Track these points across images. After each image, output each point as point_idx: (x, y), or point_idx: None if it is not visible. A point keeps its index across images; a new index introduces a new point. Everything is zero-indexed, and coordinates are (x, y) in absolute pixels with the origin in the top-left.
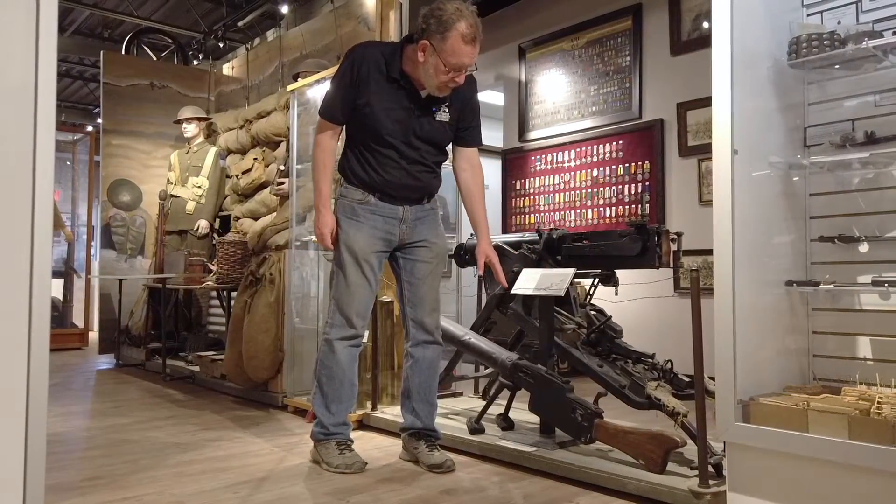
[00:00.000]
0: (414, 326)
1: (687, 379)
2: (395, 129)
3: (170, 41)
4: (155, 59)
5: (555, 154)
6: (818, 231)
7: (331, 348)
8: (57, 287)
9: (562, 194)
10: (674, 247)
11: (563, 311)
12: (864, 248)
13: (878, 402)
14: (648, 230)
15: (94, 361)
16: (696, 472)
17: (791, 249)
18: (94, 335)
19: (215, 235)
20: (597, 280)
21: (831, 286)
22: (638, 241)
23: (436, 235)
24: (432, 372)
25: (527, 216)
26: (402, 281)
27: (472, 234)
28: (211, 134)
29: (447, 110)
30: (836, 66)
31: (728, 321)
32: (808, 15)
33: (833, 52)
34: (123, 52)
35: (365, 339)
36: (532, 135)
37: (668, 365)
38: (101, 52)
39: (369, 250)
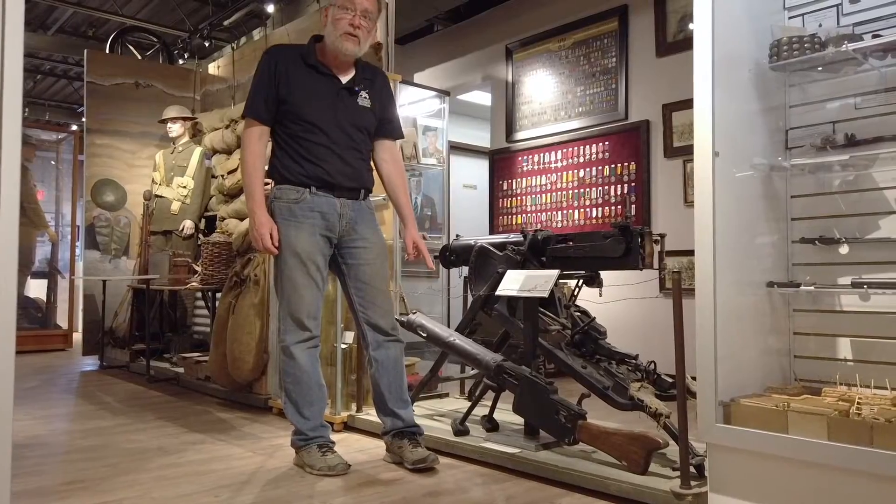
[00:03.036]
0: (370, 330)
1: (670, 380)
2: (323, 115)
3: (155, 40)
4: (140, 58)
5: (542, 155)
6: (799, 233)
7: (290, 355)
8: (41, 288)
9: (548, 195)
10: (657, 248)
11: (547, 313)
12: (844, 249)
13: (858, 403)
14: (632, 231)
15: (77, 363)
16: (678, 474)
17: (772, 251)
18: (77, 336)
19: (200, 236)
20: (581, 281)
21: (812, 287)
22: (621, 243)
23: (375, 234)
24: (399, 369)
25: (514, 217)
26: (348, 287)
27: (458, 235)
28: (196, 134)
29: (367, 97)
30: (818, 69)
31: (709, 322)
32: (790, 18)
33: (814, 54)
34: (108, 51)
35: (350, 341)
36: (519, 135)
37: (652, 366)
38: (85, 51)
39: (313, 250)
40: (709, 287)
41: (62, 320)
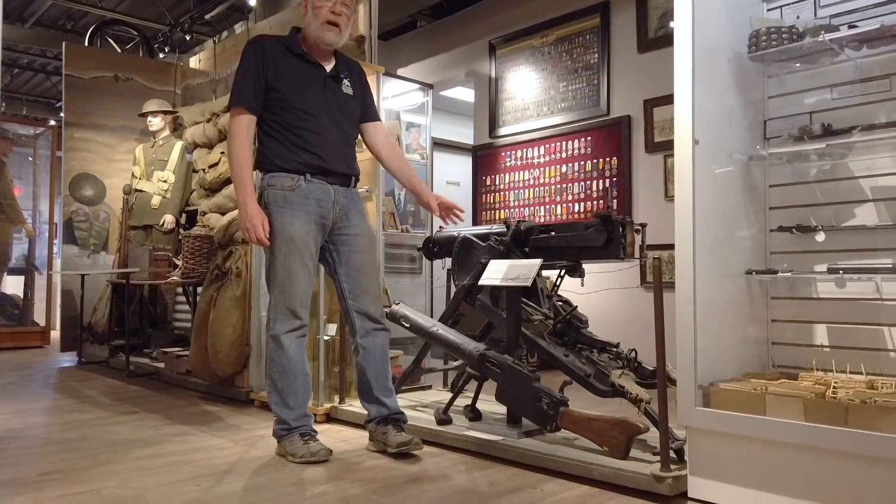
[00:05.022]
0: (359, 317)
1: (651, 368)
2: (312, 102)
3: (135, 33)
4: (119, 51)
5: (524, 150)
6: (777, 222)
7: (279, 344)
8: (17, 284)
9: (531, 190)
10: (638, 238)
11: (530, 303)
12: (820, 237)
13: (834, 387)
14: (613, 221)
15: (55, 359)
16: (659, 458)
17: (751, 240)
18: (55, 334)
19: (181, 231)
20: (563, 271)
21: (789, 274)
22: (603, 233)
23: (365, 222)
24: (385, 358)
25: (497, 212)
26: (337, 274)
27: (441, 227)
28: (177, 128)
29: (349, 84)
30: (796, 63)
31: (689, 308)
32: (769, 10)
33: (791, 44)
34: (87, 45)
35: (333, 333)
36: (502, 131)
37: (633, 354)
38: (64, 44)
39: (308, 237)
40: (688, 273)
41: (39, 317)
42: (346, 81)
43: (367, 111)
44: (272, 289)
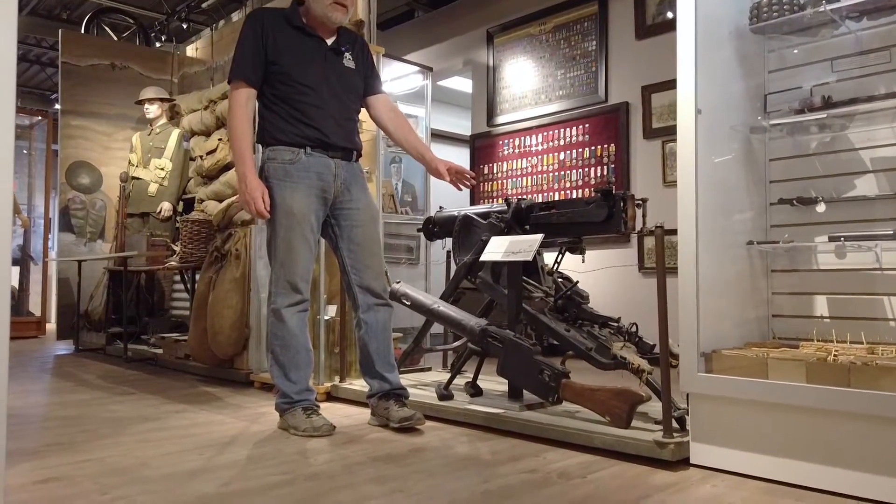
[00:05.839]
0: (361, 292)
1: (651, 343)
2: (315, 76)
3: (131, 22)
4: (116, 39)
5: (522, 138)
6: (778, 195)
7: (279, 317)
8: (13, 275)
9: (529, 178)
10: (639, 212)
11: (530, 281)
12: (821, 208)
13: (835, 354)
14: (614, 196)
15: (51, 348)
16: (661, 427)
17: (752, 212)
18: (51, 327)
19: (178, 219)
20: (564, 248)
21: (790, 244)
22: (604, 207)
23: (367, 197)
24: (387, 334)
25: (495, 200)
26: (340, 249)
27: (441, 207)
28: (174, 116)
29: (351, 58)
30: (797, 36)
31: (692, 277)
32: None
33: (792, 15)
34: (83, 33)
35: (333, 314)
36: (500, 119)
37: (634, 328)
38: (60, 31)
39: (308, 210)
40: (691, 242)
41: (35, 307)
42: (347, 55)
43: (371, 84)
44: (273, 263)
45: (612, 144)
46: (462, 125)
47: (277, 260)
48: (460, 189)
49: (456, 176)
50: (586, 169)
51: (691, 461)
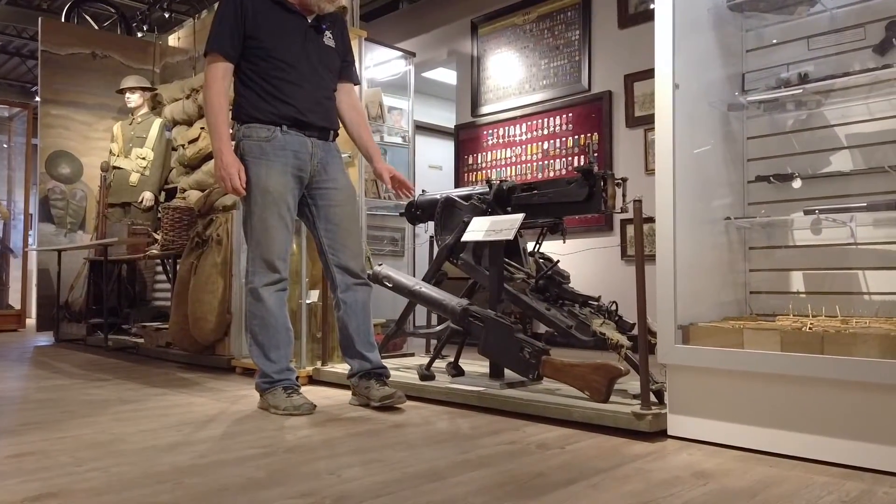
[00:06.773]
0: (339, 272)
1: (631, 322)
2: (293, 53)
3: (113, 11)
4: (97, 28)
5: (506, 128)
6: (755, 173)
7: (258, 297)
8: None
9: (513, 167)
10: (619, 191)
11: (512, 262)
12: (797, 184)
13: (810, 325)
14: (595, 175)
15: (31, 339)
16: (639, 401)
17: (729, 190)
18: (31, 322)
19: (159, 208)
20: (545, 229)
21: (767, 218)
22: (584, 187)
23: (344, 176)
24: (366, 313)
25: None
26: (317, 229)
27: (423, 190)
28: (156, 106)
29: (331, 36)
30: (773, 14)
31: (669, 251)
32: None
33: None
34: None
35: (315, 298)
36: (484, 109)
37: (614, 307)
38: (40, 19)
39: (284, 189)
40: (668, 216)
41: (15, 301)
42: (328, 33)
43: (346, 70)
44: (249, 242)
45: (596, 133)
46: (447, 118)
47: (254, 239)
48: (400, 199)
49: (397, 185)
50: (570, 158)
51: (669, 433)
